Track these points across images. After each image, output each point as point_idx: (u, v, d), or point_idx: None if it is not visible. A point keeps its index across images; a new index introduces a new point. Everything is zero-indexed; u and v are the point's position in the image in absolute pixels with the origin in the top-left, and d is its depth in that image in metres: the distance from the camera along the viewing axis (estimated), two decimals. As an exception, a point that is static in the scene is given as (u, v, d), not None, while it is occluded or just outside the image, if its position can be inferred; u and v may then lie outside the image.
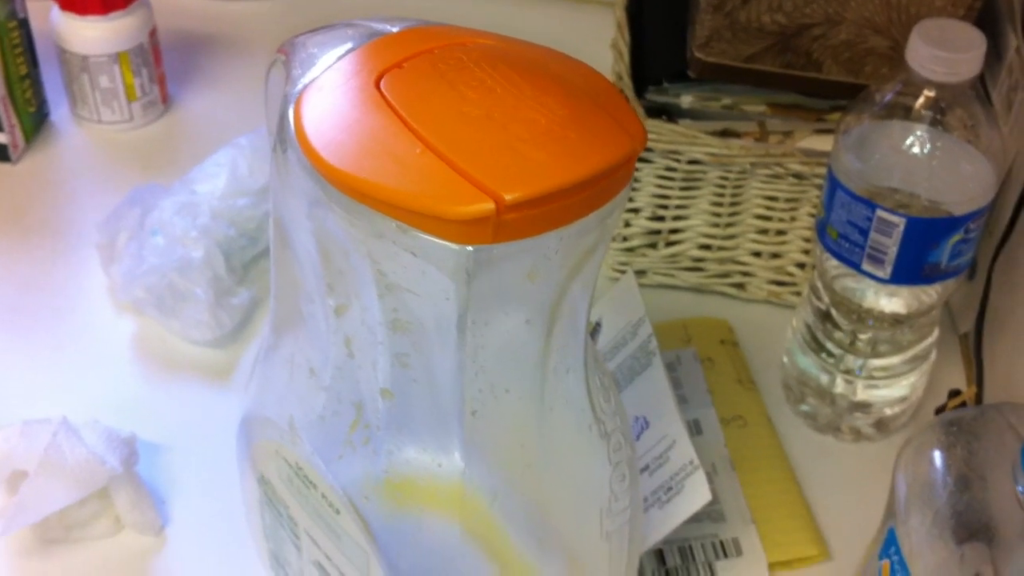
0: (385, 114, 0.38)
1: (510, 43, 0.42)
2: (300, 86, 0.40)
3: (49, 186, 0.82)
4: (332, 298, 0.42)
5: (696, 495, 0.55)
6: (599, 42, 0.80)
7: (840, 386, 0.65)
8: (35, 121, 0.84)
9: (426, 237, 0.36)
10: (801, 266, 0.72)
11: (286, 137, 0.40)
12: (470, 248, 0.35)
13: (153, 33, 0.84)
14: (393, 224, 0.36)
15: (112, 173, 0.83)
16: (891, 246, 0.58)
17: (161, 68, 0.86)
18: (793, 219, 0.71)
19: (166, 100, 0.88)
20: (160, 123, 0.87)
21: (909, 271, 0.59)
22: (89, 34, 0.81)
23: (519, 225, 0.35)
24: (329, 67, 0.41)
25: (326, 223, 0.39)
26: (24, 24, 0.80)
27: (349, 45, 0.42)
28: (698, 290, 0.75)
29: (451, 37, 0.41)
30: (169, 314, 0.70)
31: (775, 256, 0.73)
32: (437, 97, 0.38)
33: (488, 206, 0.34)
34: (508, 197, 0.34)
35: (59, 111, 0.87)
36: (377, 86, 0.39)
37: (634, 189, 0.71)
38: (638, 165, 0.70)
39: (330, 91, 0.39)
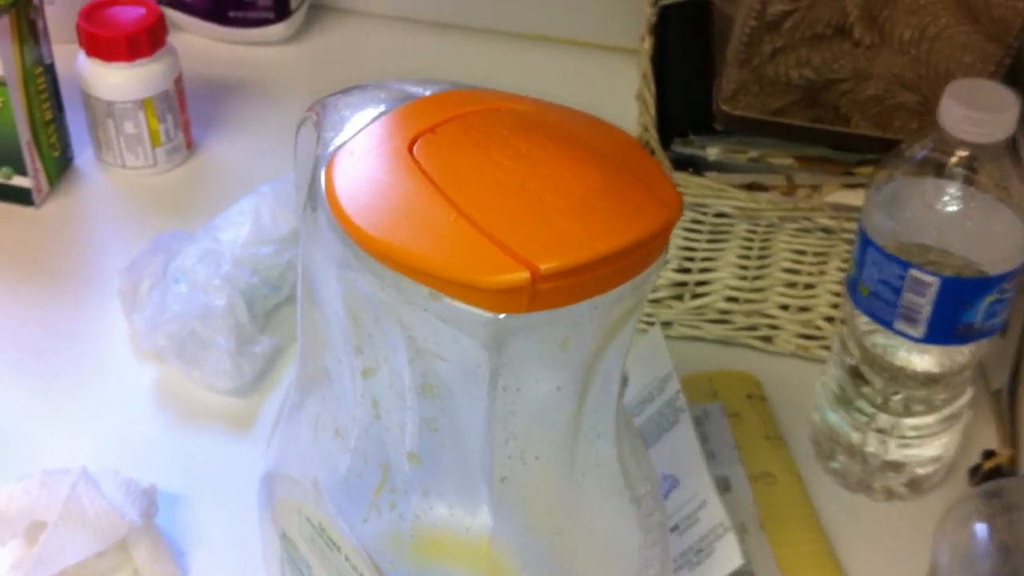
0: (418, 180, 0.37)
1: (543, 108, 0.41)
2: (332, 148, 0.40)
3: (72, 231, 0.82)
4: (360, 360, 0.41)
5: (727, 558, 0.54)
6: (625, 89, 0.80)
7: (872, 444, 0.64)
8: (59, 165, 0.84)
9: (459, 305, 0.35)
10: (830, 320, 0.72)
11: (316, 198, 0.40)
12: (503, 316, 0.35)
13: (179, 79, 0.84)
14: (425, 291, 0.36)
15: (136, 219, 0.83)
16: (925, 306, 0.58)
17: (186, 114, 0.86)
18: (822, 273, 0.70)
19: (190, 145, 0.88)
20: (184, 168, 0.87)
21: (944, 331, 0.58)
22: (114, 80, 0.81)
23: (553, 294, 0.35)
24: (361, 130, 0.40)
25: (356, 286, 0.38)
26: (50, 69, 0.81)
27: (381, 108, 0.41)
28: (725, 343, 0.74)
29: (484, 102, 0.41)
30: (191, 363, 0.70)
31: (803, 310, 0.72)
32: (471, 164, 0.38)
33: (523, 275, 0.34)
34: (544, 267, 0.34)
35: (84, 156, 0.87)
36: (410, 151, 0.38)
37: (660, 241, 0.71)
38: (665, 218, 0.69)
39: (362, 155, 0.39)
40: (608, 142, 0.40)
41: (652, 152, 0.69)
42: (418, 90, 0.42)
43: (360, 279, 0.38)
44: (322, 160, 0.40)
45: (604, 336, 0.38)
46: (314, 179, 0.40)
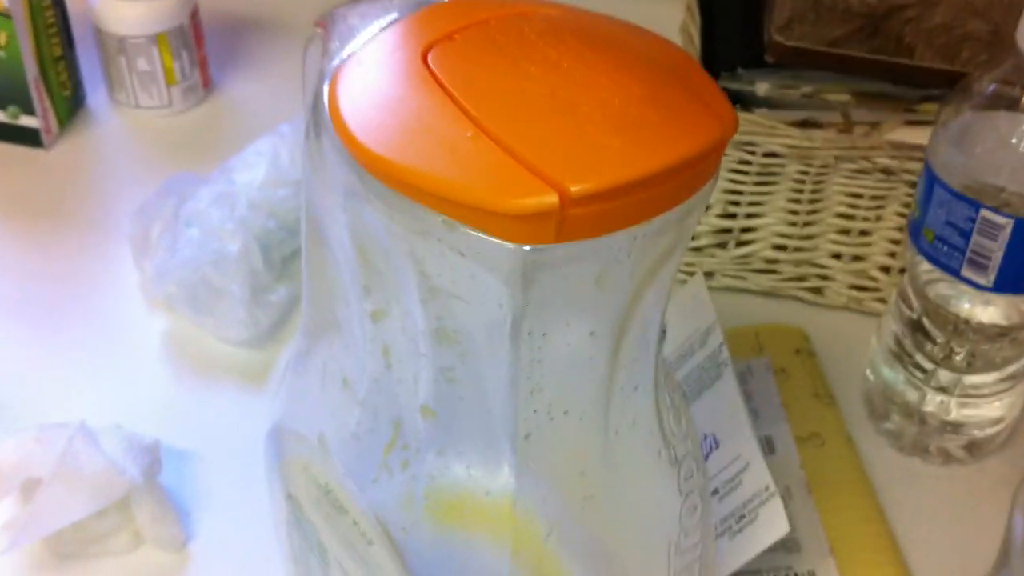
0: (432, 92, 0.32)
1: (578, 14, 0.36)
2: (337, 61, 0.35)
3: (82, 174, 0.78)
4: (369, 302, 0.37)
5: (773, 526, 0.49)
6: (670, 25, 0.75)
7: (931, 404, 0.59)
8: (70, 105, 0.80)
9: (477, 235, 0.30)
10: (886, 270, 0.66)
11: (320, 120, 0.35)
12: (528, 248, 0.30)
13: (195, 14, 0.79)
14: (439, 219, 0.31)
15: (149, 161, 0.79)
16: (996, 251, 0.52)
17: (203, 51, 0.82)
18: (879, 219, 0.65)
19: (208, 85, 0.83)
20: (201, 109, 0.83)
21: (1016, 279, 0.53)
22: (127, 13, 0.77)
23: (586, 222, 0.30)
24: (370, 40, 0.35)
25: (363, 217, 0.34)
26: (59, 3, 0.76)
27: (394, 15, 0.37)
28: (771, 294, 0.69)
29: (510, 6, 0.36)
30: (203, 311, 0.66)
31: (857, 259, 0.67)
32: (493, 73, 0.33)
33: (551, 199, 0.29)
34: (575, 189, 0.29)
35: (96, 96, 0.83)
36: (424, 60, 0.34)
37: (704, 184, 0.65)
38: (709, 158, 0.64)
39: (370, 66, 0.34)
40: (656, 51, 0.35)
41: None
42: (436, -3, 0.37)
43: (367, 208, 0.33)
44: (327, 75, 0.35)
45: (643, 276, 0.33)
46: (317, 98, 0.35)
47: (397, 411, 0.38)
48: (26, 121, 0.77)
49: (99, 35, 0.78)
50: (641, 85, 0.32)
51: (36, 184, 0.77)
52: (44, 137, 0.78)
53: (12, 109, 0.76)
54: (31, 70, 0.75)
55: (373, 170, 0.32)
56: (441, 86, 0.32)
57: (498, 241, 0.30)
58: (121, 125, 0.81)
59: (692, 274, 0.65)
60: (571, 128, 0.31)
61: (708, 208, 0.67)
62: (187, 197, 0.70)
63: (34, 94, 0.76)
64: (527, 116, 0.31)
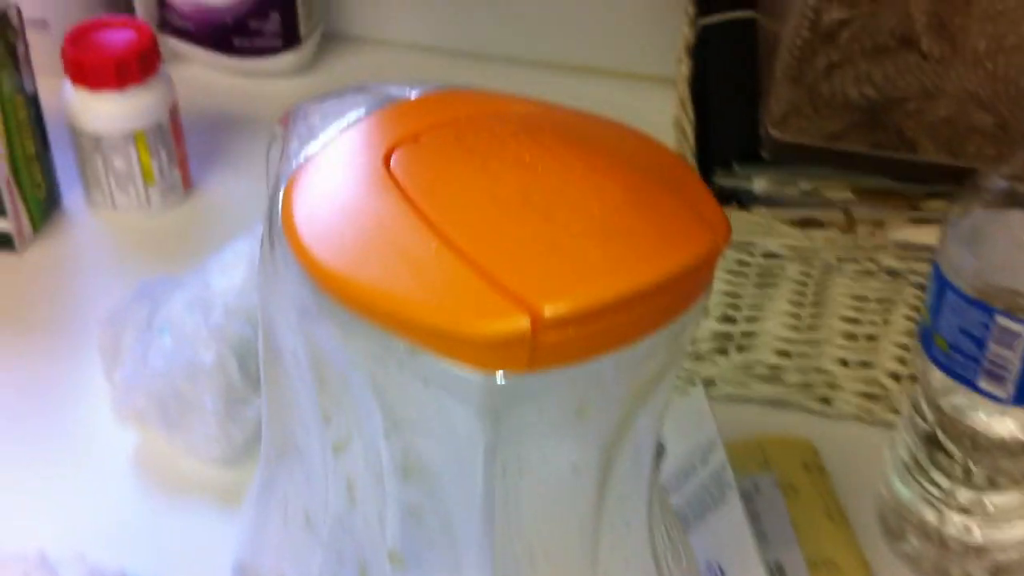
0: (393, 200, 0.29)
1: (558, 111, 0.33)
2: (295, 164, 0.32)
3: (55, 279, 0.74)
4: (330, 432, 0.33)
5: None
6: (663, 120, 0.72)
7: (951, 525, 0.55)
8: (45, 207, 0.77)
9: (442, 362, 0.27)
10: (896, 377, 0.63)
11: (275, 229, 0.32)
12: (498, 378, 0.27)
13: (174, 110, 0.77)
14: (400, 345, 0.27)
15: (125, 265, 0.76)
16: (1014, 361, 0.49)
17: (183, 149, 0.79)
18: (886, 322, 0.61)
19: (189, 184, 0.80)
20: (182, 210, 0.80)
21: (1038, 390, 0.49)
22: (102, 110, 0.74)
23: (563, 347, 0.27)
24: (331, 141, 0.32)
25: (318, 338, 0.30)
26: (33, 101, 0.74)
27: (359, 112, 0.33)
28: (776, 404, 0.66)
29: (482, 104, 0.33)
30: (173, 427, 0.62)
31: (865, 365, 0.63)
32: (460, 178, 0.30)
33: (521, 323, 0.26)
34: (548, 311, 0.26)
35: (73, 197, 0.80)
36: (386, 164, 0.30)
37: (702, 287, 0.62)
38: (707, 259, 0.61)
39: (328, 171, 0.31)
40: (643, 153, 0.31)
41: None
42: (404, 92, 0.34)
43: (322, 329, 0.30)
44: (283, 180, 0.32)
45: (632, 400, 0.30)
46: (272, 205, 0.32)
47: (362, 554, 0.34)
48: (-3, 224, 0.74)
49: (74, 133, 0.76)
50: (624, 190, 0.29)
51: (5, 290, 0.73)
52: (16, 240, 0.75)
53: (-18, 212, 0.74)
54: (1, 170, 0.72)
55: (326, 287, 0.28)
56: (403, 193, 0.29)
57: (464, 369, 0.27)
58: (97, 227, 0.78)
59: (692, 383, 0.61)
60: (545, 239, 0.27)
61: (706, 313, 0.63)
62: (161, 302, 0.66)
63: (5, 195, 0.73)
64: (496, 226, 0.28)
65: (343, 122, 0.33)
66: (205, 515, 0.60)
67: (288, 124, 0.35)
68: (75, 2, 0.86)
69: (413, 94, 0.34)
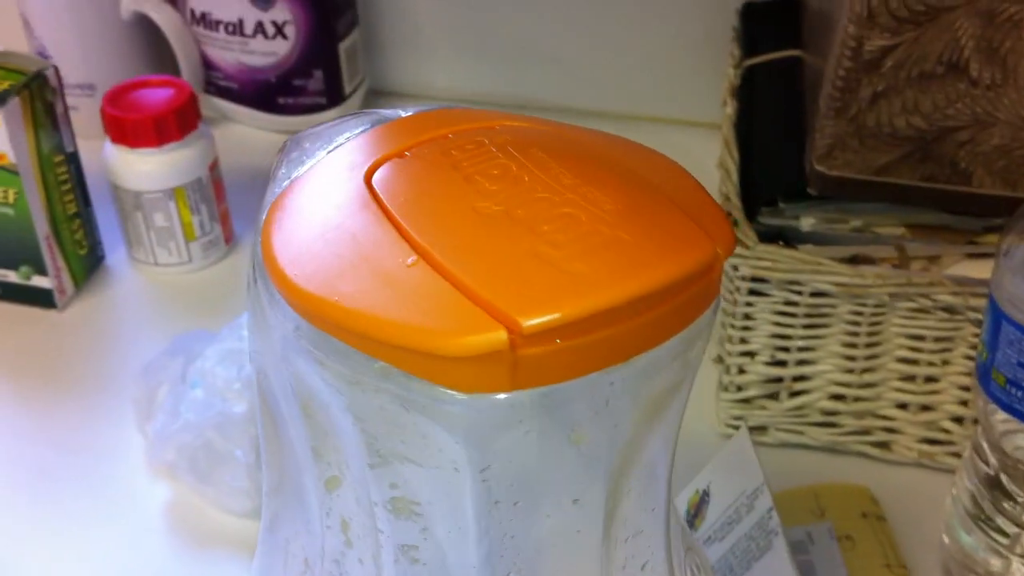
0: (372, 216, 0.27)
1: (556, 126, 0.31)
2: (279, 190, 0.31)
3: (95, 336, 0.74)
4: (320, 467, 0.31)
5: None
6: (710, 164, 0.70)
7: (1018, 573, 0.51)
8: (87, 265, 0.77)
9: (418, 383, 0.25)
10: (959, 420, 0.59)
11: (257, 258, 0.30)
12: (475, 398, 0.25)
13: (214, 166, 0.77)
14: (375, 366, 0.25)
15: (167, 322, 0.75)
16: (1079, 394, 0.45)
17: (224, 204, 0.79)
18: (945, 363, 0.58)
19: (230, 240, 0.80)
20: (223, 264, 0.79)
21: (1105, 427, 0.46)
22: (141, 168, 0.74)
23: (548, 364, 0.25)
24: (317, 163, 0.31)
25: (299, 368, 0.28)
26: (73, 159, 0.74)
27: (349, 135, 0.32)
28: (832, 450, 0.62)
29: (475, 120, 0.31)
30: (204, 479, 0.61)
31: (925, 408, 0.60)
32: (443, 193, 0.28)
33: (498, 336, 0.24)
34: (527, 323, 0.24)
35: (116, 255, 0.80)
36: (368, 181, 0.29)
37: (747, 328, 0.60)
38: (751, 300, 0.58)
39: (309, 192, 0.29)
40: (644, 165, 0.29)
41: (736, 225, 0.59)
42: (399, 113, 0.32)
43: (301, 356, 0.28)
44: (267, 206, 0.31)
45: (636, 425, 0.28)
46: (257, 235, 0.31)
47: (357, 598, 0.32)
48: (38, 281, 0.74)
49: (115, 191, 0.76)
50: (616, 200, 0.27)
51: (46, 347, 0.73)
52: (57, 298, 0.74)
53: (24, 269, 0.73)
54: (42, 228, 0.72)
55: (298, 306, 0.27)
56: (382, 209, 0.27)
57: (441, 390, 0.25)
58: (139, 284, 0.78)
59: (737, 428, 0.58)
60: (527, 251, 0.25)
61: (754, 355, 0.60)
62: (195, 356, 0.65)
63: (46, 253, 0.73)
64: (476, 240, 0.26)
65: (332, 144, 0.32)
66: (233, 569, 0.58)
67: (282, 153, 0.34)
68: (121, 66, 0.87)
69: (405, 114, 0.32)
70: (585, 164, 0.28)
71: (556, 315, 0.24)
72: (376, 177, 0.29)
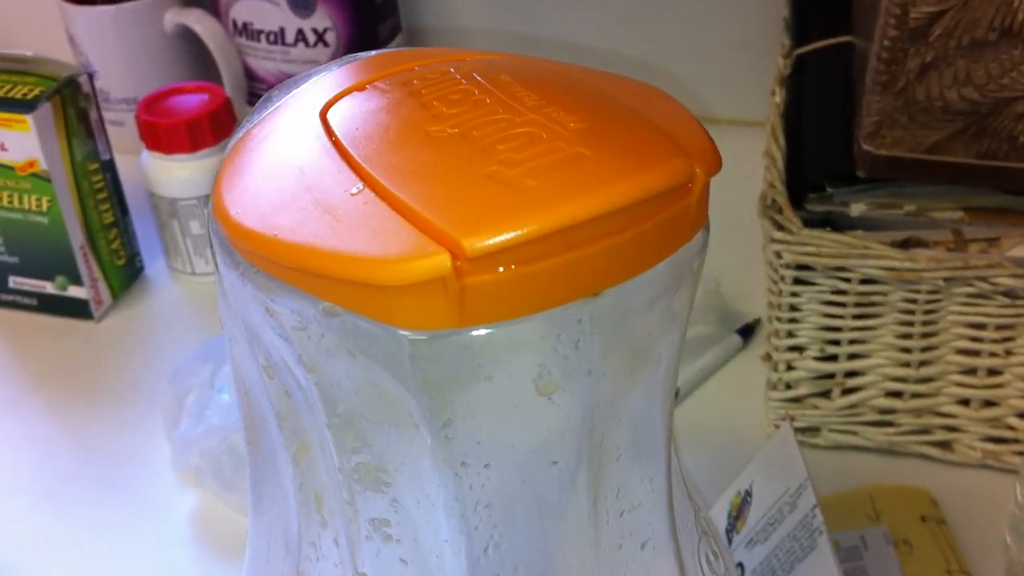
0: (321, 149, 0.25)
1: (535, 60, 0.29)
2: (238, 137, 0.29)
3: (131, 347, 0.73)
4: (286, 436, 0.29)
5: None
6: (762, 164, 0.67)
7: (1090, 577, 0.47)
8: (125, 275, 0.76)
9: (363, 322, 0.22)
10: (1025, 415, 0.55)
11: (210, 212, 0.28)
12: (420, 335, 0.22)
13: (251, 174, 0.75)
14: (319, 306, 0.23)
15: (202, 332, 0.74)
16: None
17: (262, 213, 0.77)
18: (1009, 353, 0.54)
19: (270, 249, 0.78)
20: (263, 275, 0.78)
21: None
22: (177, 175, 0.73)
23: (502, 294, 0.22)
24: (277, 106, 0.29)
25: (251, 320, 0.26)
26: (109, 167, 0.73)
27: (317, 78, 0.30)
28: (889, 451, 0.58)
29: (450, 55, 0.29)
30: (229, 485, 0.59)
31: (989, 404, 0.56)
32: (397, 119, 0.25)
33: (439, 260, 0.21)
34: (472, 244, 0.21)
35: (156, 265, 0.79)
36: (323, 116, 0.26)
37: (794, 321, 0.56)
38: (796, 289, 0.55)
39: (264, 135, 0.27)
40: (627, 91, 0.27)
41: (780, 211, 0.55)
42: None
43: (250, 307, 0.25)
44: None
45: (615, 375, 0.25)
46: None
47: (330, 580, 0.29)
48: (75, 292, 0.73)
49: (152, 199, 0.75)
50: (583, 119, 0.24)
51: (80, 357, 0.72)
52: (94, 308, 0.73)
53: (60, 279, 0.73)
54: (76, 237, 0.71)
55: (241, 247, 0.24)
56: (334, 141, 0.25)
57: (384, 327, 0.22)
58: (177, 294, 0.77)
59: (780, 422, 0.55)
60: (478, 172, 0.23)
61: (803, 350, 0.57)
62: (224, 360, 0.64)
63: (81, 263, 0.72)
64: (426, 163, 0.23)
65: (296, 87, 0.29)
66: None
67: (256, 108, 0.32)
68: (165, 80, 0.86)
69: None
70: (556, 87, 0.26)
71: (504, 234, 0.21)
72: (332, 111, 0.26)
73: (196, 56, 0.88)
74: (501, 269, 0.21)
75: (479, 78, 0.26)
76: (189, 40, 0.87)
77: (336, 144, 0.25)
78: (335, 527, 0.29)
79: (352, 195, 0.23)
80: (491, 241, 0.21)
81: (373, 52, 0.29)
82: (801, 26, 0.73)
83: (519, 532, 0.26)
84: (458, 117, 0.24)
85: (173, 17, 0.86)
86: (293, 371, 0.26)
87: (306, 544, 0.30)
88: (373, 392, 0.24)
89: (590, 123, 0.24)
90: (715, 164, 0.24)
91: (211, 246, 0.27)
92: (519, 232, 0.21)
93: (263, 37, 0.85)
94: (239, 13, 0.85)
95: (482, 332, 0.22)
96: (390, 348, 0.22)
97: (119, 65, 0.87)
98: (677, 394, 0.62)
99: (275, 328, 0.25)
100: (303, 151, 0.25)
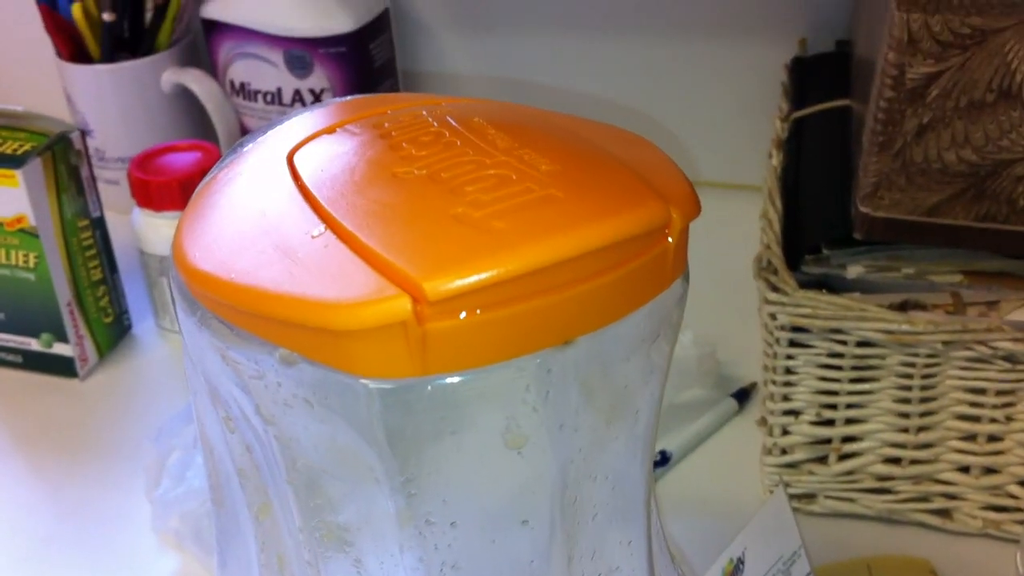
0: (285, 192, 0.24)
1: (518, 106, 0.28)
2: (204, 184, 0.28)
3: (116, 406, 0.71)
4: (247, 493, 0.27)
5: None
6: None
7: (1096, 653, 0.45)
8: (112, 333, 0.75)
9: (321, 371, 0.21)
10: (1027, 484, 0.53)
11: (170, 261, 0.27)
12: (386, 385, 0.21)
13: (242, 232, 0.74)
14: (276, 353, 0.22)
15: (188, 392, 0.72)
16: None
17: (254, 272, 0.76)
18: (1009, 419, 0.52)
19: (261, 309, 0.77)
20: (253, 335, 0.77)
21: None
22: (167, 232, 0.72)
23: (466, 341, 0.21)
24: (244, 152, 0.28)
25: (209, 371, 0.25)
26: (99, 224, 0.72)
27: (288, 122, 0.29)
28: (887, 519, 0.57)
29: (427, 99, 0.28)
30: (209, 549, 0.57)
31: (990, 471, 0.54)
32: (365, 162, 0.24)
33: (399, 304, 0.20)
34: (432, 288, 0.20)
35: (144, 324, 0.78)
36: (290, 160, 0.25)
37: (789, 384, 0.55)
38: (792, 352, 0.54)
39: (229, 180, 0.26)
40: (604, 136, 0.26)
41: (775, 272, 0.54)
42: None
43: (207, 355, 0.24)
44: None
45: (589, 429, 0.23)
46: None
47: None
48: (60, 349, 0.72)
49: (141, 257, 0.74)
50: (555, 161, 0.23)
51: (64, 416, 0.70)
52: (79, 366, 0.72)
53: (45, 336, 0.71)
54: (63, 294, 0.70)
55: (197, 292, 0.23)
56: (298, 184, 0.24)
57: (342, 376, 0.21)
58: (165, 353, 0.76)
59: (770, 489, 0.53)
60: (444, 214, 0.22)
61: (798, 414, 0.55)
62: (209, 422, 0.62)
63: (67, 320, 0.71)
64: (390, 205, 0.22)
65: (267, 132, 0.29)
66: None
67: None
68: (162, 139, 0.86)
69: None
70: (530, 131, 0.25)
71: (467, 277, 0.20)
72: (299, 154, 0.26)
73: (193, 116, 0.88)
74: (464, 314, 0.20)
75: (452, 121, 0.25)
76: (186, 99, 0.87)
77: (301, 187, 0.24)
78: (300, 590, 0.27)
79: (313, 238, 0.22)
80: (454, 284, 0.20)
81: (349, 97, 0.28)
82: (800, 91, 0.72)
83: (490, 595, 0.24)
84: (427, 159, 0.24)
85: (171, 76, 0.86)
86: (252, 423, 0.24)
87: (270, 608, 0.29)
88: (333, 445, 0.23)
89: (563, 165, 0.23)
90: (693, 209, 0.23)
91: (171, 295, 0.26)
92: (483, 275, 0.20)
93: (260, 97, 0.85)
94: (236, 73, 0.85)
95: (446, 381, 0.21)
96: (349, 398, 0.21)
97: (116, 124, 0.87)
98: (670, 459, 0.60)
99: (233, 378, 0.24)
100: (266, 194, 0.24)
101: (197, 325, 0.24)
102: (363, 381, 0.21)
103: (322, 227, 0.22)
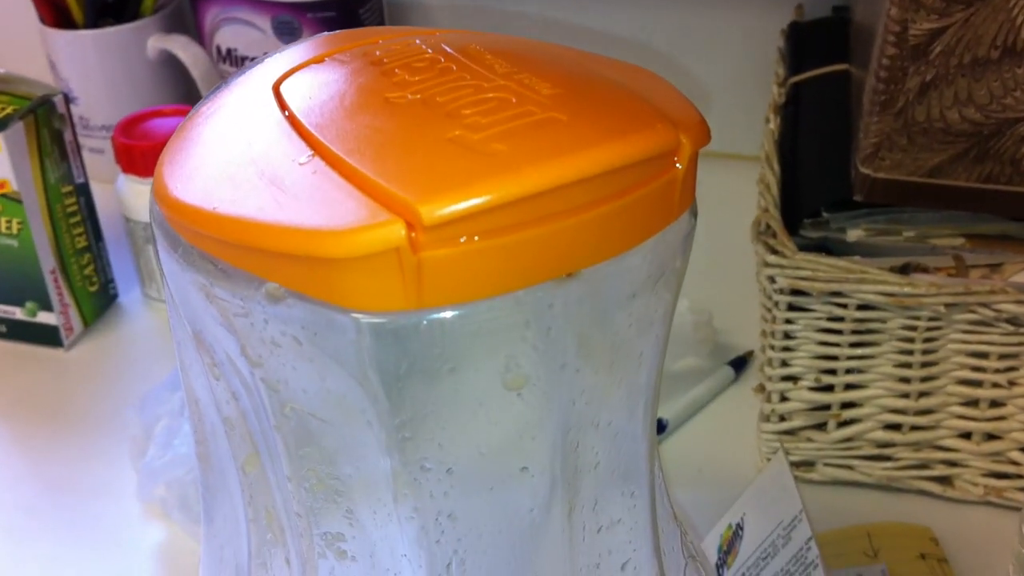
0: (271, 120, 0.23)
1: (515, 37, 0.27)
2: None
3: (101, 375, 0.70)
4: (233, 443, 0.26)
5: None
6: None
7: (1101, 618, 0.44)
8: (98, 303, 0.73)
9: (309, 305, 0.20)
10: (1029, 450, 0.53)
11: (152, 199, 0.26)
12: (378, 319, 0.19)
13: (230, 199, 0.73)
14: (262, 288, 0.21)
15: (172, 359, 0.71)
16: None
17: (241, 241, 0.75)
18: (1012, 383, 0.51)
19: (249, 278, 0.76)
20: (241, 304, 0.75)
21: None
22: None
23: (464, 272, 0.19)
24: (230, 85, 0.26)
25: (192, 311, 0.24)
26: (83, 190, 0.71)
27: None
28: (887, 487, 0.56)
29: (421, 31, 0.26)
30: (195, 518, 0.56)
31: (992, 437, 0.53)
32: (355, 88, 0.23)
33: (392, 230, 0.19)
34: (427, 212, 0.19)
35: (132, 293, 0.76)
36: (276, 89, 0.24)
37: (788, 349, 0.54)
38: (791, 316, 0.53)
39: (213, 113, 0.25)
40: (608, 66, 0.24)
41: (774, 236, 0.53)
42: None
43: (190, 293, 0.23)
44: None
45: (592, 370, 0.22)
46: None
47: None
48: (44, 318, 0.70)
49: (127, 224, 0.72)
50: (557, 85, 0.22)
51: (48, 386, 0.69)
52: (64, 335, 0.71)
53: (30, 305, 0.70)
54: (47, 262, 0.69)
55: (178, 225, 0.22)
56: (285, 112, 0.23)
57: (332, 309, 0.20)
58: (151, 323, 0.74)
59: (768, 456, 0.52)
60: (440, 137, 0.21)
61: (797, 380, 0.54)
62: (196, 390, 0.61)
63: (51, 288, 0.69)
64: (383, 129, 0.21)
65: (254, 66, 0.27)
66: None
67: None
68: (147, 106, 0.85)
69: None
70: (530, 57, 0.24)
71: (465, 201, 0.19)
72: (286, 84, 0.24)
73: (179, 83, 0.86)
74: (463, 240, 0.19)
75: (447, 48, 0.24)
76: (172, 66, 0.85)
77: (288, 115, 0.23)
78: (286, 544, 0.26)
79: (300, 164, 0.21)
80: (451, 208, 0.19)
81: (339, 31, 0.27)
82: (797, 57, 0.71)
83: (485, 547, 0.23)
84: (421, 84, 0.22)
85: (156, 43, 0.84)
86: (238, 367, 0.23)
87: (256, 565, 0.28)
88: (322, 387, 0.21)
89: (566, 89, 0.22)
90: (703, 135, 0.21)
91: (153, 238, 0.25)
92: (482, 199, 0.19)
93: (247, 63, 0.83)
94: (223, 39, 0.84)
95: (442, 315, 0.20)
96: (339, 334, 0.20)
97: (100, 91, 0.86)
98: (666, 427, 0.59)
99: (217, 318, 0.22)
100: (251, 124, 0.23)
101: (179, 263, 0.22)
102: (354, 315, 0.19)
103: (309, 153, 0.21)
